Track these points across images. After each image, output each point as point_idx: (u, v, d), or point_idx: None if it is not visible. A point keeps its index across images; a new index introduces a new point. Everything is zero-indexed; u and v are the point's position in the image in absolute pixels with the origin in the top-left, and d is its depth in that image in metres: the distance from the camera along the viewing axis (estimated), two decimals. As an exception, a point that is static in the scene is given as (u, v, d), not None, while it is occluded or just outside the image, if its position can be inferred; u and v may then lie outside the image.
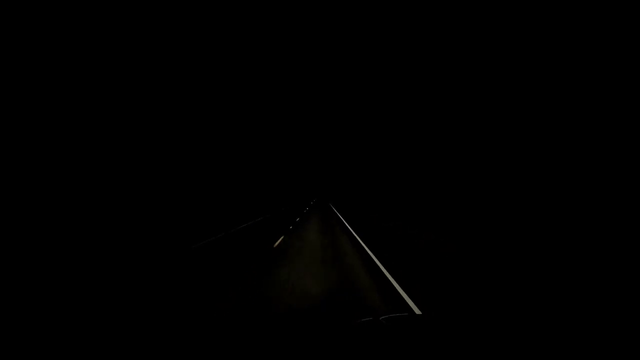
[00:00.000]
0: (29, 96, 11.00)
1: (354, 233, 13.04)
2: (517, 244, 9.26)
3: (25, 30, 11.03)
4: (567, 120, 11.53)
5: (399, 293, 5.02)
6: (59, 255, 7.59)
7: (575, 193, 10.91)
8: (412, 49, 24.75)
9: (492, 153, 15.02)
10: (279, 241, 10.61)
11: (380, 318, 1.43)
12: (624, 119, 9.73)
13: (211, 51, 24.52)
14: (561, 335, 1.25)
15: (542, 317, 3.91)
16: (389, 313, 1.52)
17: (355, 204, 48.22)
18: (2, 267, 6.34)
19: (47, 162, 10.86)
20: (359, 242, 10.63)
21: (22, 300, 4.50)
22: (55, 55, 12.00)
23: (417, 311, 4.26)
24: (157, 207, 17.42)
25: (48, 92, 11.38)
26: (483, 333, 1.31)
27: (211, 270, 6.49)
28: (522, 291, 5.03)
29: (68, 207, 11.18)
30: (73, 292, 4.90)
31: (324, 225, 15.65)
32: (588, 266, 6.43)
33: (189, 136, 20.91)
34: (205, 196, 24.45)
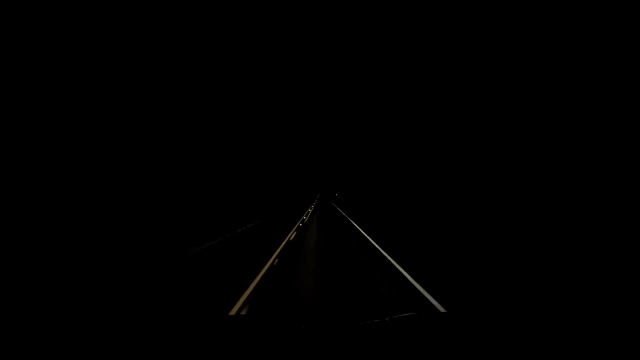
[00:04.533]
0: (26, 96, 11.00)
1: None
2: (516, 245, 9.25)
3: (25, 30, 11.04)
4: (562, 121, 11.55)
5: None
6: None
7: (573, 193, 10.90)
8: (419, 48, 24.49)
9: (502, 155, 14.86)
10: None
11: (387, 319, 1.42)
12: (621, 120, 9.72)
13: (207, 47, 24.10)
14: (563, 335, 1.24)
15: (552, 319, 3.91)
16: (395, 313, 1.49)
17: (361, 201, 44.26)
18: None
19: (31, 162, 10.67)
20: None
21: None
22: (54, 54, 12.00)
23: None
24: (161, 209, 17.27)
25: (40, 92, 11.33)
26: (490, 332, 1.31)
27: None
28: (524, 290, 5.04)
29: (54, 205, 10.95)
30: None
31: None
32: (586, 265, 6.43)
33: (183, 132, 20.30)
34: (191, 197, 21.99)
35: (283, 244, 10.11)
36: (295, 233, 12.92)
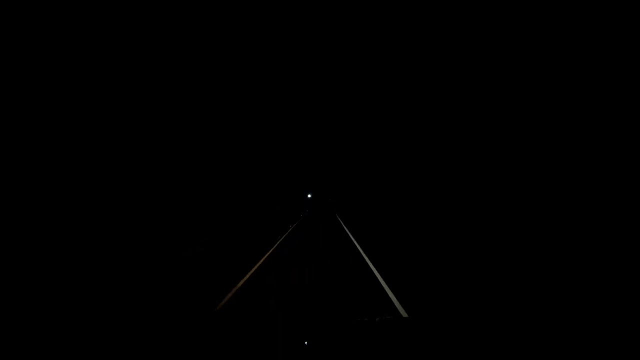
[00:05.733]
0: (25, 95, 10.99)
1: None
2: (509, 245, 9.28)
3: (25, 30, 11.03)
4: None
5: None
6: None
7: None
8: (417, 49, 24.30)
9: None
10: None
11: (377, 319, 1.46)
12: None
13: (199, 43, 23.62)
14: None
15: (537, 319, 3.92)
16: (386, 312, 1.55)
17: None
18: None
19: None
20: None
21: None
22: (53, 54, 11.99)
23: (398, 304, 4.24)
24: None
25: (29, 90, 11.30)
26: (478, 335, 1.34)
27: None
28: (514, 292, 5.04)
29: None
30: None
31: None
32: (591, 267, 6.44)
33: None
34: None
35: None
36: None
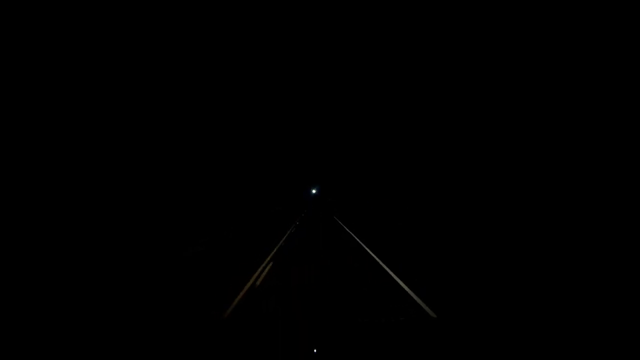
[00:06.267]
0: (25, 95, 10.96)
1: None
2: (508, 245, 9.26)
3: (25, 30, 11.02)
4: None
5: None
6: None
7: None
8: (418, 48, 24.16)
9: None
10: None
11: (382, 320, 1.45)
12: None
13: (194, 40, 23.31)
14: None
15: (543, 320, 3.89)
16: (389, 313, 1.55)
17: None
18: None
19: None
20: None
21: None
22: (53, 54, 11.97)
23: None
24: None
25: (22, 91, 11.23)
26: (480, 335, 1.32)
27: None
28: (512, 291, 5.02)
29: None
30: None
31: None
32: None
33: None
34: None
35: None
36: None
